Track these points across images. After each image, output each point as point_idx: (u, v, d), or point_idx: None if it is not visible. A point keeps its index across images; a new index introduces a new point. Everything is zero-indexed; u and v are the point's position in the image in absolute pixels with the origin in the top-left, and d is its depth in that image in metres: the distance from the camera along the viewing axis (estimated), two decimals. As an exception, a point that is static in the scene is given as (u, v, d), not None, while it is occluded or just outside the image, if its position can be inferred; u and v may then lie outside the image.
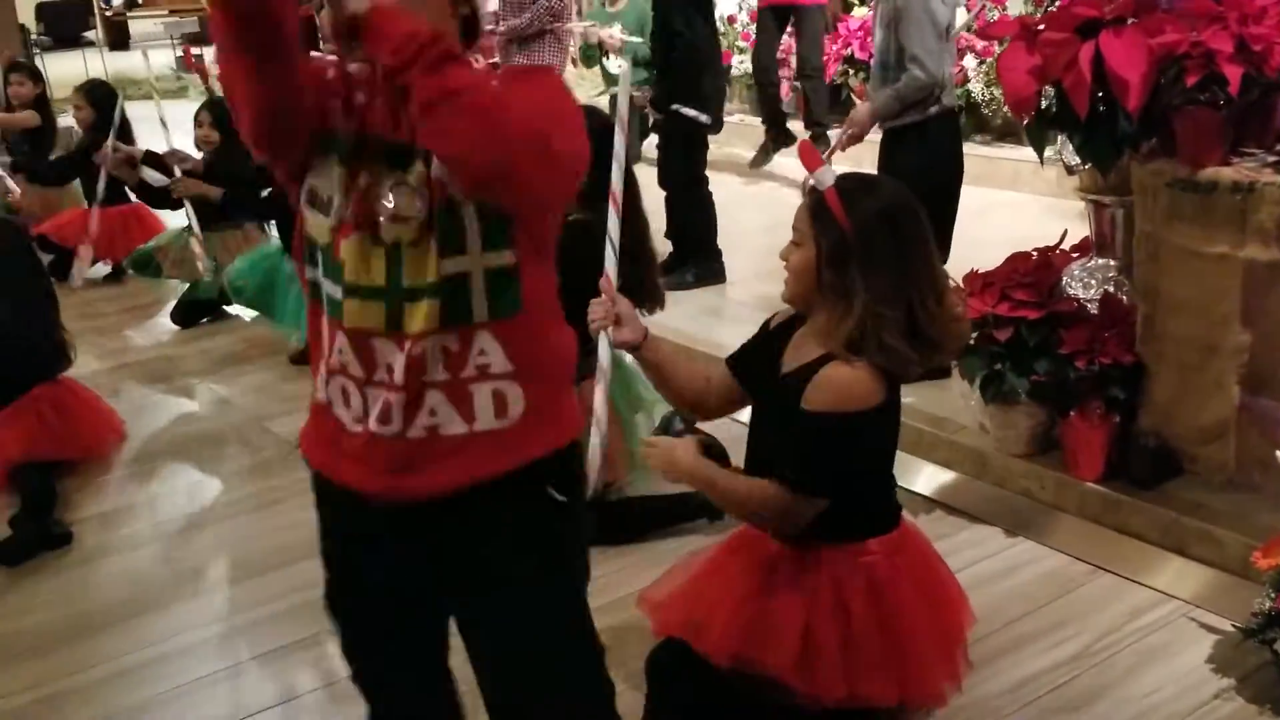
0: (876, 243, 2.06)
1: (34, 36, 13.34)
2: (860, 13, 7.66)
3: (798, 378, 2.12)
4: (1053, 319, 3.29)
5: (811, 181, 2.10)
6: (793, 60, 7.18)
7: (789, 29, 6.99)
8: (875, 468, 2.23)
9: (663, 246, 5.23)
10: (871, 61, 4.16)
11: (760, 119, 7.02)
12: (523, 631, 1.79)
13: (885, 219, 2.08)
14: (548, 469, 1.75)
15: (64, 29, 14.82)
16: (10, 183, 6.06)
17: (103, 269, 6.39)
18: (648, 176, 5.06)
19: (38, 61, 11.19)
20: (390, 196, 1.61)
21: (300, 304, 4.66)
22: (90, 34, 15.00)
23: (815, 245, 2.10)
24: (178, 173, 5.23)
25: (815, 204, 2.10)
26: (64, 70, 11.38)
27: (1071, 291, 3.49)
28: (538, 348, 1.72)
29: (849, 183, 2.10)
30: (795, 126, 6.99)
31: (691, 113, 4.76)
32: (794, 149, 6.79)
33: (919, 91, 3.84)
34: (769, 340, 2.29)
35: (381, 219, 1.61)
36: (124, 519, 3.79)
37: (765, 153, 6.88)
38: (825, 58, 7.12)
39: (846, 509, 2.17)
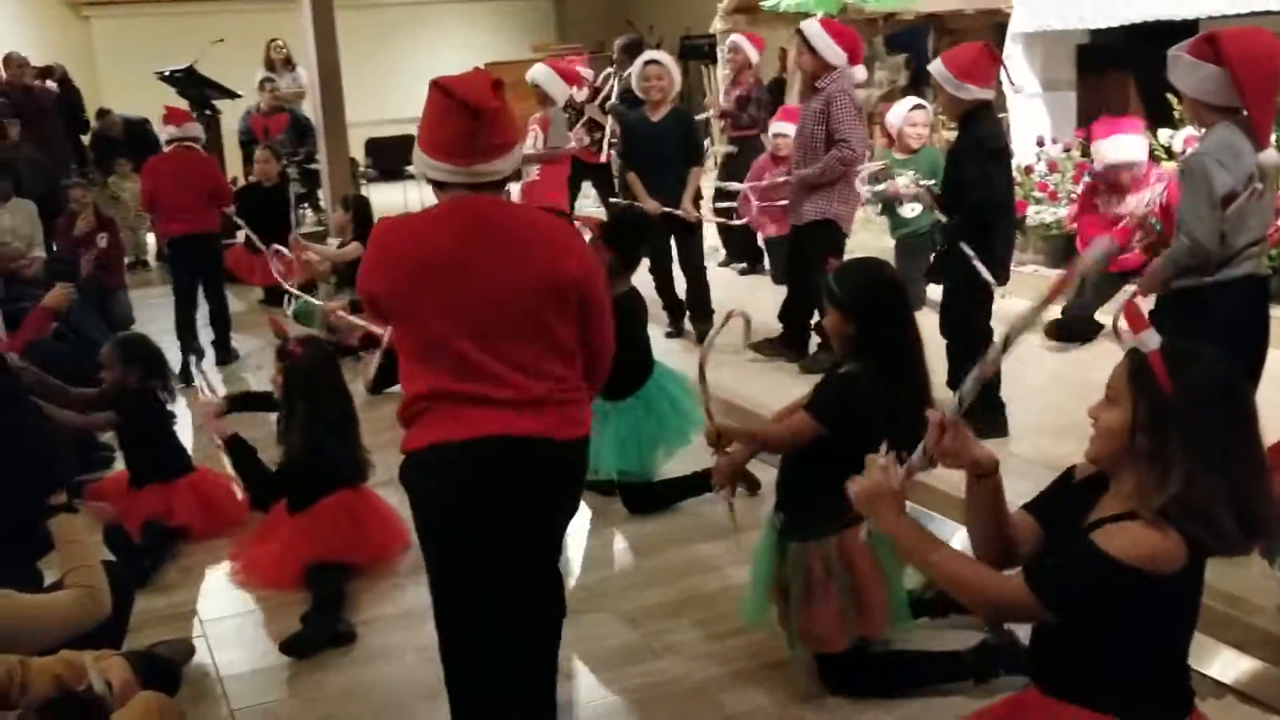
0: (1201, 412, 2.00)
1: (361, 169, 14.54)
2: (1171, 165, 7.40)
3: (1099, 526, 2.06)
4: (1366, 499, 3.04)
5: (1135, 343, 2.07)
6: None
7: None
8: (1172, 643, 2.13)
9: (943, 394, 5.16)
10: None
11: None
12: None
13: (1211, 389, 2.03)
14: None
15: (389, 162, 16.07)
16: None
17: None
18: (928, 322, 5.04)
19: (364, 191, 12.22)
20: None
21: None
22: (411, 168, 16.23)
23: (1132, 407, 2.04)
24: None
25: (1137, 366, 2.06)
26: (386, 200, 12.34)
27: (1390, 470, 3.22)
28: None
29: (1174, 349, 2.06)
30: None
31: (980, 266, 4.69)
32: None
33: (1189, 258, 3.74)
34: (1072, 493, 2.23)
35: None
36: (402, 624, 3.99)
37: None
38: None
39: (1139, 683, 2.08)
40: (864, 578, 3.23)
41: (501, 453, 2.65)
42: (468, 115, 2.61)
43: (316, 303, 7.20)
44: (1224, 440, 2.00)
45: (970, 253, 4.72)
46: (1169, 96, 6.31)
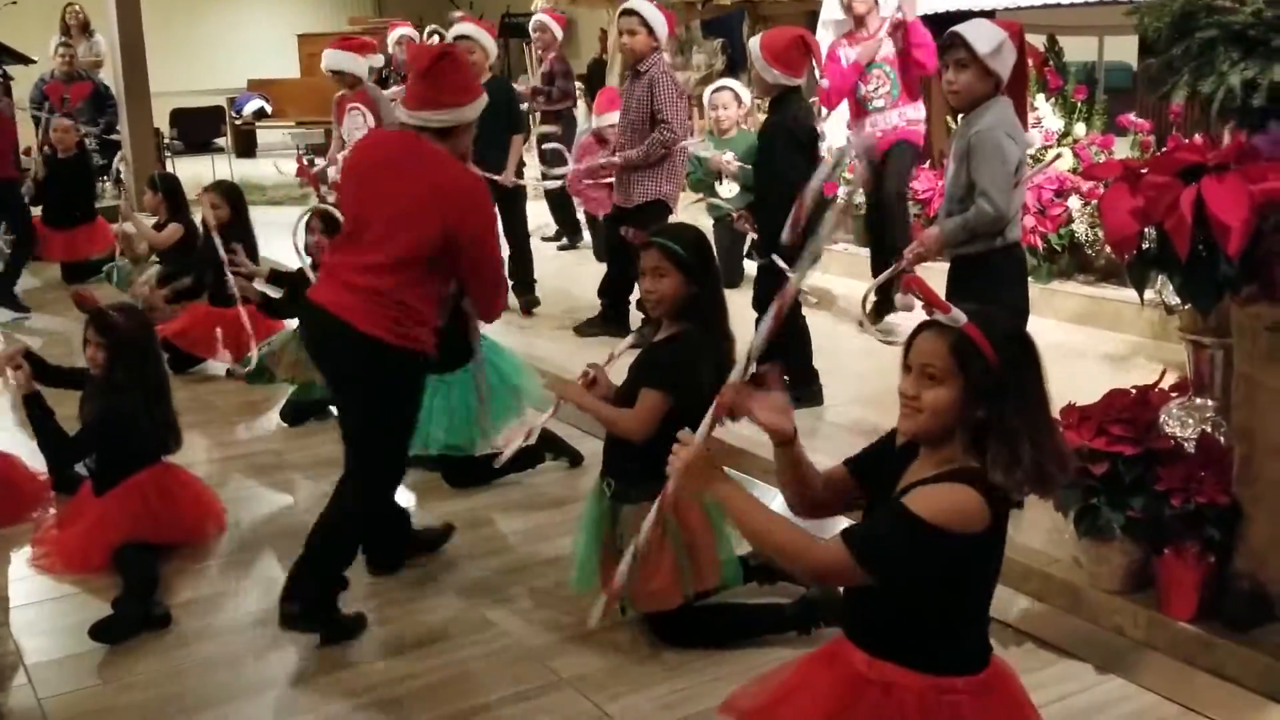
0: (1025, 374, 2.10)
1: (167, 140, 13.99)
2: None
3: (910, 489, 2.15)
4: (1149, 456, 3.26)
5: (945, 320, 2.13)
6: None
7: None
8: (973, 601, 2.22)
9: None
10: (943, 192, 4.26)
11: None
12: None
13: (1024, 348, 2.13)
14: None
15: (196, 135, 15.52)
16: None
17: (219, 365, 6.61)
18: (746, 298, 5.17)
19: (169, 164, 11.76)
20: None
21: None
22: (220, 140, 15.70)
23: (961, 382, 2.10)
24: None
25: (958, 341, 2.10)
26: (193, 172, 11.91)
27: (1169, 430, 3.47)
28: None
29: (977, 317, 2.13)
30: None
31: (781, 265, 4.82)
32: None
33: (986, 225, 3.92)
34: (892, 457, 2.30)
35: None
36: (220, 606, 3.88)
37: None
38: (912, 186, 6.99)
39: (939, 637, 2.18)
40: (697, 533, 3.33)
41: (313, 316, 3.56)
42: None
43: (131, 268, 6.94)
44: (1043, 394, 2.12)
45: (776, 261, 4.84)
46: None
